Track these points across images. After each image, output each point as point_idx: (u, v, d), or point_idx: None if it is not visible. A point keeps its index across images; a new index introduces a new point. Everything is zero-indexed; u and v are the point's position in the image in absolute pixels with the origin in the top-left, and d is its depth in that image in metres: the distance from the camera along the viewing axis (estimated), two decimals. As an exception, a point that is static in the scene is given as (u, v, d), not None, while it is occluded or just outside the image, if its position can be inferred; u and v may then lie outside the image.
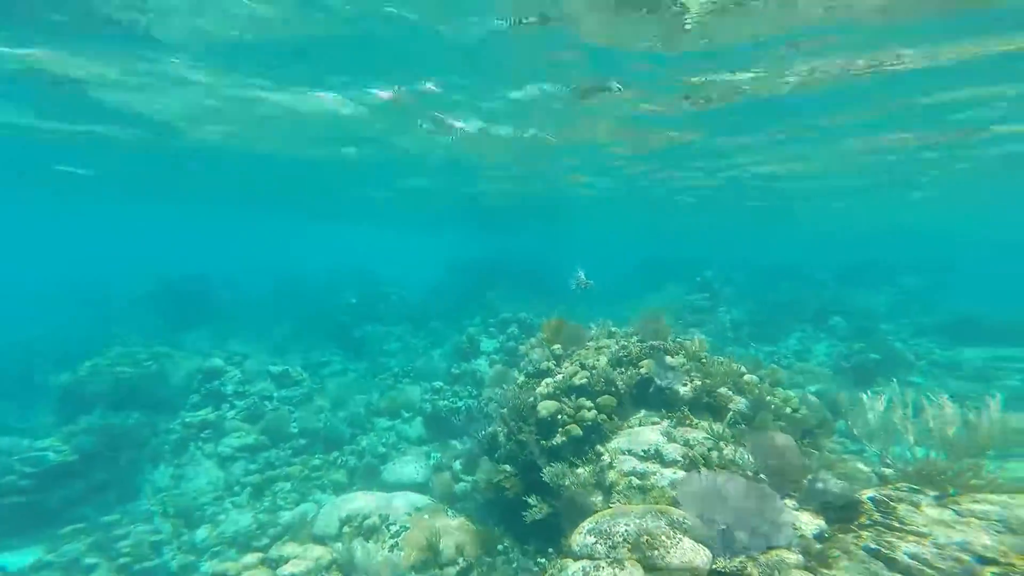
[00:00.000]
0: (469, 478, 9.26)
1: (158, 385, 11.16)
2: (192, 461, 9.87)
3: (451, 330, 23.06)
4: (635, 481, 5.96)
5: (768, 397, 6.60)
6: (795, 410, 6.74)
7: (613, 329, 8.70)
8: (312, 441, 10.84)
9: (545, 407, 7.07)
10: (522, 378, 8.51)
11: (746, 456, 5.89)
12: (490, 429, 8.32)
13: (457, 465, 9.74)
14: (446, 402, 12.34)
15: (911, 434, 5.30)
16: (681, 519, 4.30)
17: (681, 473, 5.94)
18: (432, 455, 11.75)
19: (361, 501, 7.27)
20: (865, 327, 17.20)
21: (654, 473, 6.01)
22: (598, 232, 47.53)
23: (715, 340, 16.99)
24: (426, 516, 6.79)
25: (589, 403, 6.96)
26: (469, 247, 49.70)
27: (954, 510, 3.85)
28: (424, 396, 13.11)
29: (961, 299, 23.81)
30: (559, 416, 6.99)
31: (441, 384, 12.77)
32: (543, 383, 7.68)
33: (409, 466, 9.52)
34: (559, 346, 8.17)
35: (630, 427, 6.83)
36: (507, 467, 7.48)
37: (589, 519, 4.79)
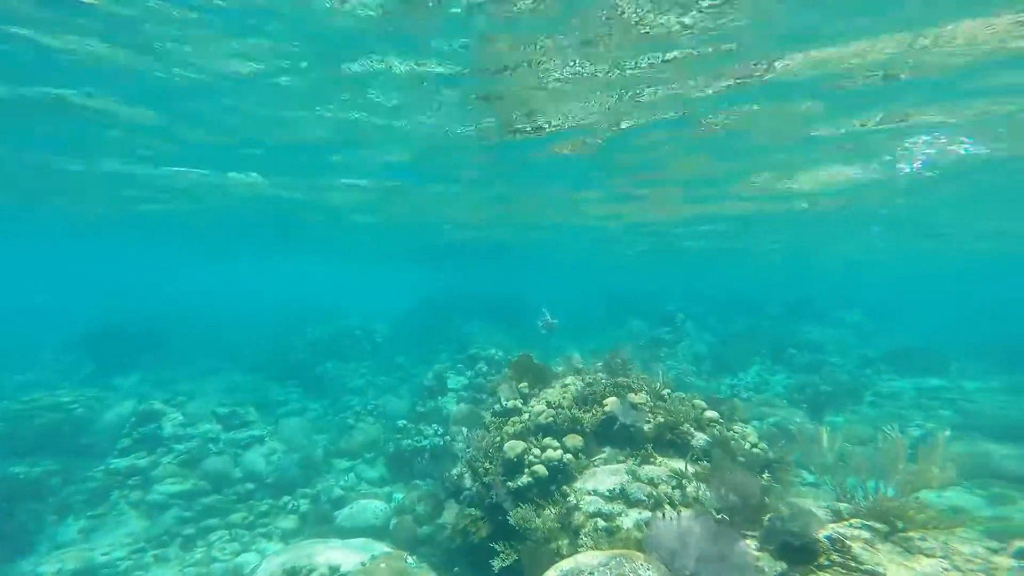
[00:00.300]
0: (433, 522, 8.91)
1: (81, 431, 10.26)
2: (112, 511, 8.95)
3: (418, 366, 22.62)
4: (601, 523, 5.91)
5: (728, 432, 6.76)
6: (754, 445, 6.92)
7: (579, 366, 8.78)
8: (260, 485, 10.13)
9: (511, 447, 6.97)
10: (489, 417, 8.40)
11: (708, 494, 5.96)
12: (456, 470, 8.11)
13: (421, 508, 9.36)
14: (410, 441, 11.95)
15: (863, 469, 5.54)
16: (646, 566, 4.27)
17: (646, 513, 5.94)
18: (394, 497, 11.26)
19: (308, 550, 6.81)
20: (817, 360, 18.03)
21: (620, 514, 5.98)
22: (565, 266, 48.47)
23: (679, 374, 17.43)
24: (383, 565, 6.43)
25: (555, 442, 6.93)
26: (436, 281, 49.56)
27: (904, 547, 4.00)
28: (387, 435, 12.67)
29: (897, 332, 25.51)
30: (526, 456, 6.90)
31: (405, 423, 12.39)
32: (510, 422, 7.60)
33: (368, 510, 9.03)
34: (526, 384, 8.16)
35: (595, 466, 6.81)
36: (473, 510, 7.27)
37: (554, 567, 4.69)
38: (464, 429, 9.41)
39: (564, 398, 7.47)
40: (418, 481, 12.09)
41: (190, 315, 35.02)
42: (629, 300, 31.26)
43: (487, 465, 7.38)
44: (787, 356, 19.47)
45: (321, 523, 9.05)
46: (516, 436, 7.23)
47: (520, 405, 7.88)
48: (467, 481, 7.78)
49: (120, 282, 65.76)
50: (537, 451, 6.89)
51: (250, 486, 9.94)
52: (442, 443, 11.48)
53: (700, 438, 6.73)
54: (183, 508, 9.05)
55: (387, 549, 7.02)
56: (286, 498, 9.83)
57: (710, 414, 7.09)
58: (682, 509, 6.02)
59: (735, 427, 7.16)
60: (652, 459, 6.57)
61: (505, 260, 42.80)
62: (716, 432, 6.75)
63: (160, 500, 9.12)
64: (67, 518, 8.69)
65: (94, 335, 19.37)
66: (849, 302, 31.09)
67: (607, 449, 6.99)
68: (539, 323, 8.71)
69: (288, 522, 9.22)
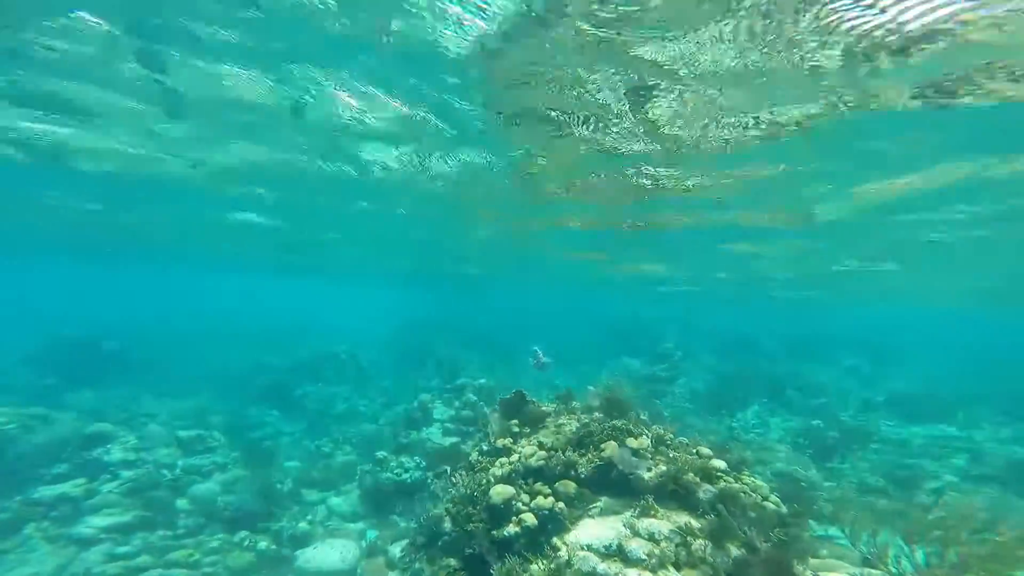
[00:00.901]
0: (409, 569, 8.14)
1: (13, 452, 9.33)
2: (22, 547, 7.97)
3: (404, 392, 21.83)
4: (596, 585, 5.28)
5: (737, 485, 6.20)
6: (765, 498, 6.37)
7: (574, 404, 8.23)
8: (213, 519, 9.24)
9: (498, 492, 6.36)
10: (475, 455, 7.78)
11: (718, 554, 5.38)
12: (435, 511, 7.42)
13: (395, 550, 8.59)
14: (389, 475, 11.20)
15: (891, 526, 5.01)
16: (652, 648, 3.67)
17: (647, 575, 5.33)
18: (368, 535, 10.44)
19: None
20: (818, 403, 17.54)
21: (617, 575, 5.37)
22: (561, 294, 48.12)
23: (674, 412, 16.82)
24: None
25: (547, 488, 6.34)
26: (427, 304, 48.92)
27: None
28: (365, 466, 11.89)
29: (896, 376, 25.12)
30: (514, 503, 6.29)
31: (385, 454, 11.64)
32: (498, 463, 7.01)
33: (334, 550, 8.22)
34: (516, 423, 7.59)
35: (590, 517, 6.22)
36: (451, 560, 6.58)
37: (544, 644, 4.05)
38: (447, 467, 8.75)
39: (558, 440, 6.92)
40: (396, 518, 11.29)
41: (169, 331, 34.10)
42: (625, 333, 30.82)
43: (470, 509, 6.74)
44: (787, 398, 18.96)
45: (280, 564, 8.21)
46: (504, 479, 6.63)
47: (510, 445, 7.30)
48: (447, 525, 7.09)
49: (99, 296, 64.48)
50: (526, 497, 6.29)
51: (201, 519, 9.06)
52: (424, 478, 10.75)
53: (706, 490, 6.16)
54: (116, 544, 8.15)
55: (352, 602, 6.26)
56: (243, 533, 8.97)
57: (717, 463, 6.55)
58: (687, 572, 5.43)
59: (744, 478, 6.60)
60: (653, 512, 5.99)
61: (500, 289, 42.46)
62: (724, 485, 6.19)
63: (87, 535, 8.22)
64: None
65: (60, 347, 18.46)
66: (847, 343, 30.85)
67: (603, 498, 6.40)
68: (531, 360, 8.25)
69: (241, 560, 8.33)
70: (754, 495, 6.23)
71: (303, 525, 9.59)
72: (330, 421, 18.19)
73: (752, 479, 6.72)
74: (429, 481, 9.30)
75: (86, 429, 9.95)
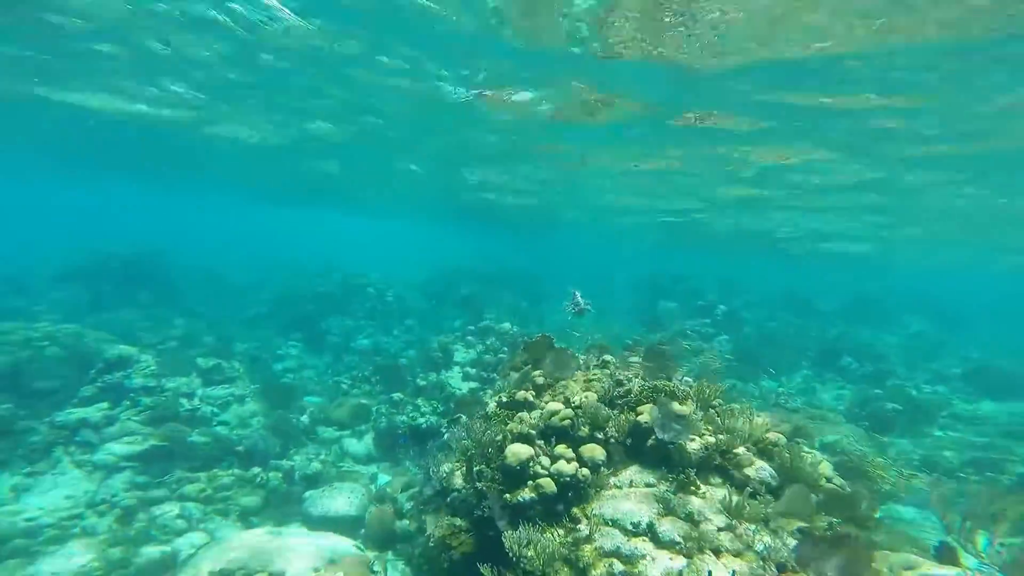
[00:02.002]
0: (418, 518, 7.84)
1: (44, 372, 9.44)
2: (55, 469, 8.13)
3: (428, 331, 21.60)
4: (618, 567, 4.63)
5: (798, 462, 5.28)
6: (829, 478, 5.46)
7: (607, 357, 7.35)
8: (228, 452, 9.20)
9: (515, 452, 5.69)
10: (492, 405, 7.12)
11: (772, 543, 4.57)
12: (446, 466, 6.92)
13: (404, 499, 8.30)
14: (405, 417, 10.90)
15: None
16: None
17: (681, 561, 4.63)
18: (379, 478, 10.30)
19: (251, 544, 5.76)
20: (879, 371, 16.10)
21: (644, 557, 4.70)
22: (598, 245, 46.42)
23: (704, 369, 15.77)
24: (341, 574, 5.32)
25: (570, 452, 5.61)
26: (464, 246, 48.31)
27: None
28: (381, 407, 11.65)
29: (972, 346, 22.94)
30: (531, 465, 5.62)
31: (402, 396, 11.32)
32: (516, 418, 6.32)
33: (341, 495, 7.99)
34: (541, 373, 6.79)
35: (618, 487, 5.50)
36: (459, 520, 6.11)
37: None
38: (463, 415, 8.19)
39: (587, 397, 6.09)
40: (409, 463, 11.11)
41: (207, 259, 34.97)
42: (664, 284, 29.34)
43: (483, 467, 6.15)
44: (841, 364, 17.52)
45: (287, 504, 8.11)
46: (522, 438, 5.94)
47: (532, 398, 6.57)
48: (458, 481, 6.59)
49: (144, 219, 66.98)
50: (546, 460, 5.61)
51: (217, 452, 9.03)
52: (440, 423, 10.37)
53: (760, 467, 5.28)
54: (136, 472, 8.20)
55: (351, 549, 5.91)
56: (256, 470, 8.91)
57: (774, 437, 5.61)
58: (729, 559, 4.68)
59: (804, 454, 5.66)
60: (693, 487, 5.19)
61: (541, 237, 41.10)
62: (783, 461, 5.29)
63: (109, 461, 8.29)
64: (2, 474, 7.90)
65: (101, 264, 18.83)
66: (913, 307, 28.35)
67: (636, 467, 5.64)
68: (566, 304, 7.27)
69: (251, 499, 8.27)
70: (815, 473, 5.32)
71: (316, 465, 9.46)
72: (353, 356, 18.19)
73: (812, 454, 5.77)
74: (443, 428, 8.86)
75: (111, 351, 9.96)
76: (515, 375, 6.84)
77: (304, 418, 11.22)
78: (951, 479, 8.75)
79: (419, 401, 11.45)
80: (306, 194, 32.10)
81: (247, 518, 8.00)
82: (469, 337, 14.24)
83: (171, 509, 7.52)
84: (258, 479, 8.63)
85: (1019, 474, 8.47)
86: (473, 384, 12.48)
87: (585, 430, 5.82)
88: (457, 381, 12.58)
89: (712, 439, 5.52)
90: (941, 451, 10.02)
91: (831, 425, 10.77)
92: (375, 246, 73.16)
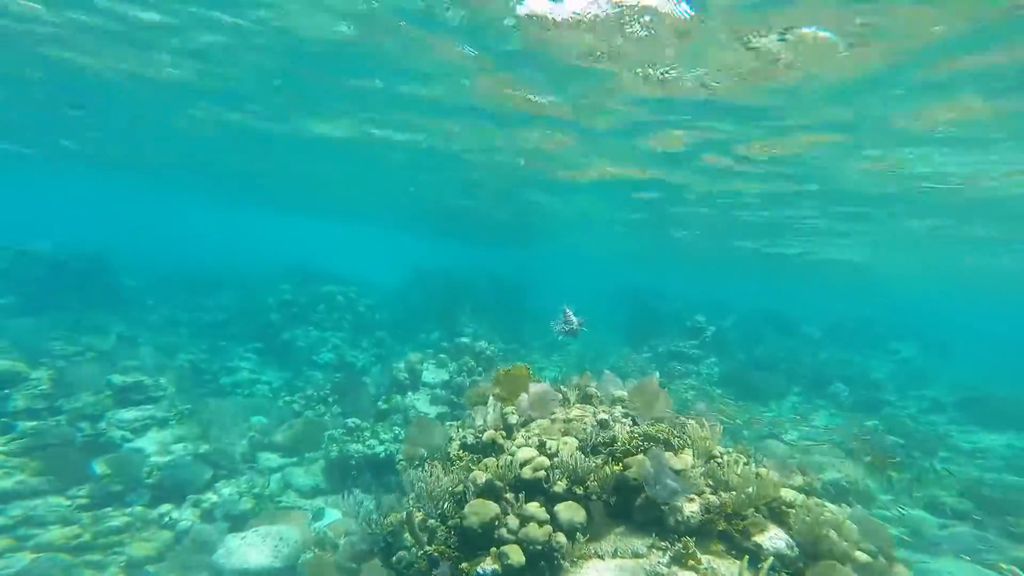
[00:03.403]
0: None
1: None
2: None
3: (401, 344, 20.47)
4: (603, 671, 3.68)
5: (821, 531, 4.42)
6: (855, 543, 4.62)
7: (591, 390, 6.46)
8: (134, 485, 7.80)
9: (478, 510, 4.75)
10: (456, 446, 6.16)
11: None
12: (393, 515, 5.88)
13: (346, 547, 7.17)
14: (359, 446, 9.80)
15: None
16: None
17: (680, 663, 3.73)
18: (326, 514, 9.16)
19: None
20: (871, 399, 15.59)
21: (634, 654, 3.76)
22: (580, 258, 45.91)
23: (698, 396, 15.06)
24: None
25: (543, 512, 4.69)
26: (441, 255, 47.20)
27: None
28: (335, 432, 10.53)
29: (964, 373, 22.78)
30: (497, 527, 4.66)
31: (358, 421, 10.24)
32: (482, 464, 5.37)
33: (267, 541, 6.79)
34: (513, 410, 5.86)
35: (599, 558, 4.60)
36: (406, 590, 5.09)
37: None
38: (422, 450, 7.17)
39: (566, 443, 5.18)
40: (362, 496, 10.00)
41: (166, 259, 33.17)
42: (648, 301, 28.78)
43: (436, 524, 5.17)
44: (832, 390, 17.01)
45: (198, 551, 6.81)
46: (487, 491, 5.01)
47: (502, 440, 5.62)
48: (406, 538, 5.55)
49: (96, 215, 64.06)
50: (514, 521, 4.66)
51: (117, 487, 7.69)
52: (399, 454, 9.30)
53: (773, 535, 4.42)
54: None
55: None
56: (165, 508, 7.63)
57: (788, 495, 4.77)
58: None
59: (824, 513, 4.81)
60: (692, 561, 4.28)
61: (522, 246, 40.32)
62: (803, 523, 4.44)
63: None
64: None
65: (20, 265, 17.11)
66: (900, 332, 28.27)
67: (620, 531, 4.73)
68: (554, 324, 6.44)
69: (146, 547, 6.92)
70: (842, 540, 4.47)
71: (247, 501, 8.23)
72: (315, 371, 16.96)
73: (833, 515, 4.92)
74: (398, 462, 7.81)
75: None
76: (484, 412, 5.88)
77: (243, 443, 10.00)
78: (963, 523, 8.09)
79: (379, 427, 10.36)
80: (282, 194, 30.84)
81: (133, 574, 6.69)
82: (442, 355, 13.21)
83: (20, 562, 6.06)
84: (165, 520, 7.36)
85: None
86: (441, 408, 11.46)
87: (562, 484, 4.89)
88: (424, 404, 11.54)
89: (715, 498, 4.66)
90: (949, 489, 9.38)
91: (830, 459, 10.05)
92: (349, 251, 71.55)
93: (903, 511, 8.43)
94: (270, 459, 10.09)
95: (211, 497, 8.09)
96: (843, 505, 4.96)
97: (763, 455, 6.32)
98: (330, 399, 12.43)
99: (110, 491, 7.59)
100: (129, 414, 9.00)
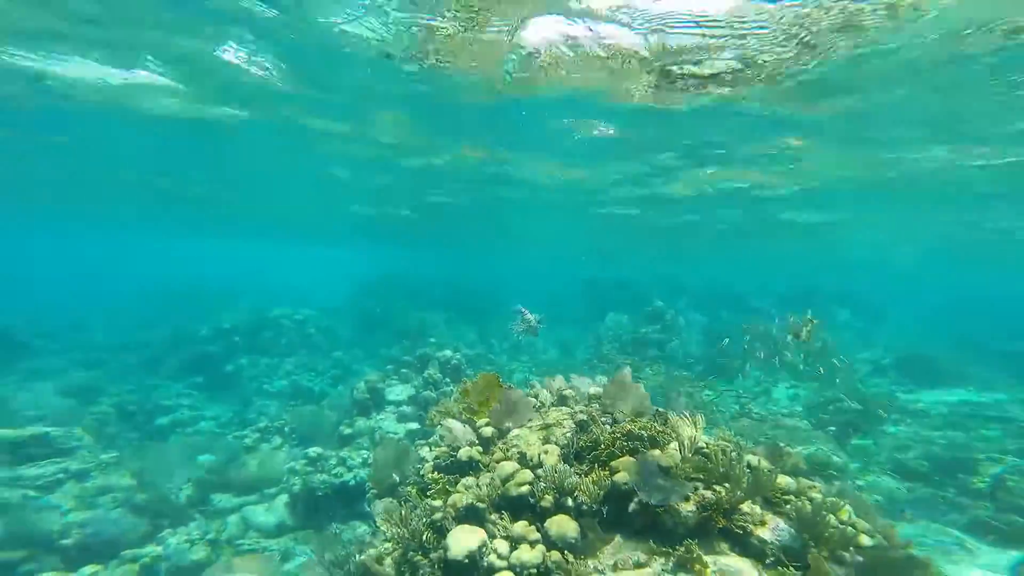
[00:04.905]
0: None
1: None
2: None
3: (359, 364, 19.59)
4: None
5: (818, 514, 4.30)
6: (854, 525, 4.54)
7: (566, 392, 6.15)
8: (42, 550, 6.74)
9: (460, 540, 4.33)
10: (429, 468, 5.68)
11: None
12: (368, 553, 5.36)
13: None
14: (325, 476, 9.10)
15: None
16: None
17: None
18: (294, 553, 8.43)
19: None
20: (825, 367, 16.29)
21: None
22: (534, 253, 45.87)
23: (668, 381, 15.22)
24: None
25: (534, 532, 4.33)
26: (389, 263, 45.88)
27: None
28: (296, 464, 9.75)
29: (897, 334, 24.42)
30: (483, 554, 4.27)
31: (320, 450, 9.51)
32: (461, 486, 4.94)
33: None
34: (488, 422, 5.46)
35: (599, 573, 4.26)
36: (390, 638, 4.62)
37: None
38: (394, 475, 6.65)
39: (547, 453, 4.85)
40: (338, 526, 9.32)
41: (76, 292, 30.33)
42: (607, 288, 29.10)
43: (418, 558, 4.71)
44: (788, 360, 17.68)
45: None
46: (469, 515, 4.59)
47: (479, 456, 5.21)
48: (387, 570, 5.06)
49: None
50: (503, 546, 4.27)
51: (20, 552, 6.57)
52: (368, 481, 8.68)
53: (775, 526, 4.26)
54: None
55: None
56: (90, 569, 6.64)
57: (783, 481, 4.64)
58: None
59: (815, 496, 4.73)
60: (697, 565, 4.05)
61: (470, 241, 39.72)
62: (802, 512, 4.30)
63: None
64: None
65: None
66: (837, 298, 29.98)
67: (617, 541, 4.43)
68: (513, 326, 6.19)
69: None
70: (843, 526, 4.37)
71: (199, 549, 7.36)
72: (267, 401, 15.87)
73: (826, 497, 4.84)
74: (368, 492, 7.24)
75: None
76: (455, 427, 5.45)
77: (189, 486, 9.02)
78: (925, 485, 8.46)
79: (344, 453, 9.66)
80: (207, 214, 28.72)
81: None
82: (404, 370, 12.58)
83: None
84: (93, 581, 6.42)
85: (992, 474, 8.30)
86: (411, 425, 10.88)
87: (549, 498, 4.55)
88: (391, 423, 10.91)
89: (709, 493, 4.45)
90: (905, 452, 9.82)
91: (801, 433, 10.30)
92: (282, 270, 68.31)
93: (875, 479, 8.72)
94: (224, 499, 9.17)
95: (153, 550, 7.16)
96: (832, 484, 4.93)
97: (741, 436, 6.26)
98: (286, 428, 11.54)
99: (15, 556, 6.48)
100: (31, 471, 7.82)
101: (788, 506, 4.43)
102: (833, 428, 10.77)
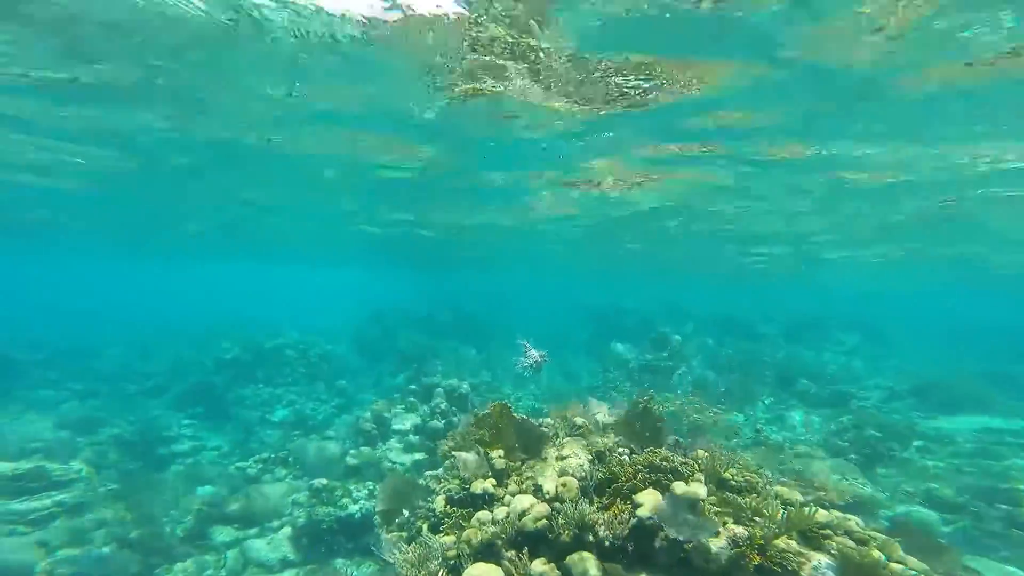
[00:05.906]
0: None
1: None
2: None
3: (364, 393, 19.28)
4: None
5: (864, 556, 4.01)
6: (902, 561, 4.23)
7: (578, 420, 5.92)
8: None
9: (474, 580, 4.02)
10: (441, 501, 5.41)
11: None
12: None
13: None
14: (330, 509, 8.74)
15: None
16: None
17: None
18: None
19: None
20: (838, 393, 15.91)
21: None
22: (537, 283, 45.84)
23: (680, 409, 14.81)
24: None
25: (553, 570, 4.03)
26: (394, 291, 45.89)
27: None
28: (299, 496, 9.40)
29: (903, 359, 23.93)
30: (500, 597, 3.97)
31: (326, 482, 9.18)
32: (475, 521, 4.66)
33: None
34: (500, 454, 5.22)
35: (627, 616, 3.95)
36: None
37: None
38: (403, 510, 6.34)
39: (565, 485, 4.59)
40: (342, 562, 8.90)
41: (79, 322, 30.26)
42: (611, 317, 28.85)
43: (431, 601, 4.41)
44: (799, 388, 17.28)
45: None
46: (485, 551, 4.31)
47: (492, 489, 4.94)
48: (397, 619, 4.74)
49: None
50: (521, 586, 3.98)
51: None
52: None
53: (817, 564, 3.96)
54: None
55: None
56: None
57: (822, 516, 4.35)
58: None
59: (853, 528, 4.43)
60: (731, 608, 3.75)
61: (474, 274, 39.79)
62: (846, 551, 4.01)
63: None
64: None
65: None
66: (841, 325, 29.57)
67: (644, 580, 4.13)
68: (518, 361, 6.14)
69: None
70: (891, 564, 4.06)
71: (197, 590, 7.01)
72: (269, 431, 15.51)
73: (867, 530, 4.55)
74: (377, 527, 6.92)
75: None
76: (469, 460, 5.20)
77: (188, 519, 8.67)
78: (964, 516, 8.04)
79: (350, 484, 9.32)
80: (205, 239, 28.78)
81: None
82: (410, 399, 12.30)
83: None
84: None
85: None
86: (418, 456, 10.54)
87: (569, 533, 4.27)
88: (398, 454, 10.57)
89: (741, 529, 4.16)
90: (936, 481, 9.40)
91: (819, 462, 9.90)
92: (287, 295, 68.36)
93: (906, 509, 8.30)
94: (223, 533, 8.80)
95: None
96: (868, 517, 4.63)
97: (761, 466, 5.96)
98: (289, 459, 11.21)
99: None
100: (21, 505, 7.51)
101: (828, 541, 4.14)
102: (855, 457, 10.36)
